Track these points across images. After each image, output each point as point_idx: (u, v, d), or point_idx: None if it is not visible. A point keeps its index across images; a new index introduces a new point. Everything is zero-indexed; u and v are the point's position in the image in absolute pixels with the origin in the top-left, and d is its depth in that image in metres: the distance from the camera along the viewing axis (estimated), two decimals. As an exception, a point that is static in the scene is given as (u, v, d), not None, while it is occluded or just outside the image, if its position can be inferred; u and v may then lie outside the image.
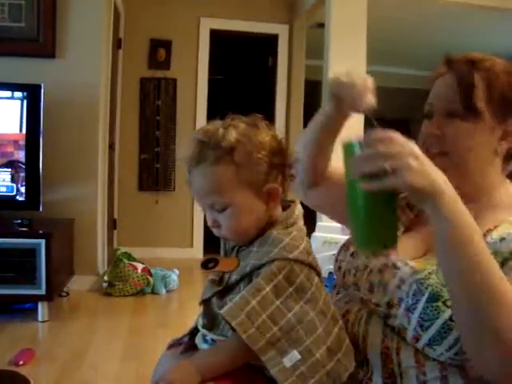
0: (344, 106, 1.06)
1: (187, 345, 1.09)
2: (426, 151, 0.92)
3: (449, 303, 0.82)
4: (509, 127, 0.93)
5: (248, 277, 0.88)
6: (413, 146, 0.74)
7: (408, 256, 0.95)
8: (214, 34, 4.73)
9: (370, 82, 1.04)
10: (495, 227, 0.88)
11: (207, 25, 4.69)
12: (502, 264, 0.82)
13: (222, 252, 1.04)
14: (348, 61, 3.63)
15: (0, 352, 2.36)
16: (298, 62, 4.88)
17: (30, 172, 3.00)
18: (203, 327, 0.95)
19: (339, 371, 0.84)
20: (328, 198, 1.19)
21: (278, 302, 0.83)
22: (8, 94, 3.03)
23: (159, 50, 4.57)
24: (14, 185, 3.00)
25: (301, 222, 0.96)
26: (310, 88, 5.16)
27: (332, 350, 0.84)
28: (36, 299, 2.84)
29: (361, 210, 0.77)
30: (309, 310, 0.84)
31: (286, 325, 0.82)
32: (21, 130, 3.01)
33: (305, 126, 4.48)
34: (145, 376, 2.15)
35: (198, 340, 0.99)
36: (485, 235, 0.87)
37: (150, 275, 3.56)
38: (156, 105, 4.63)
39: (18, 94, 3.02)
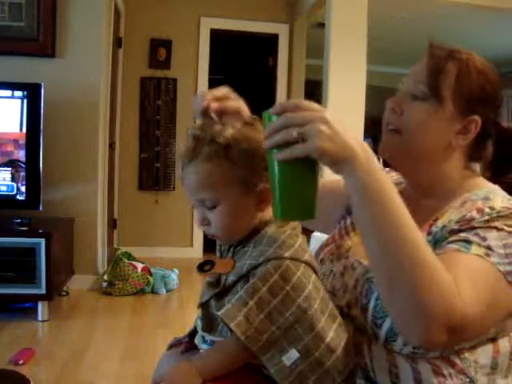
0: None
1: (187, 344, 1.09)
2: (386, 127, 0.95)
3: None
4: (470, 124, 0.91)
5: (245, 277, 0.88)
6: (323, 112, 0.72)
7: (364, 255, 0.95)
8: (215, 34, 4.73)
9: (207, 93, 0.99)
10: (442, 215, 0.88)
11: (207, 24, 4.69)
12: (435, 243, 0.83)
13: (217, 253, 1.04)
14: (348, 60, 3.63)
15: (0, 351, 2.36)
16: (298, 61, 4.88)
17: (30, 171, 3.00)
18: (202, 330, 0.95)
19: (339, 368, 0.84)
20: None
21: (275, 302, 0.83)
22: (8, 93, 3.03)
23: (159, 50, 4.57)
24: (14, 184, 3.00)
25: (295, 222, 0.95)
26: (311, 87, 5.16)
27: (331, 348, 0.83)
28: (36, 298, 2.84)
29: (276, 180, 0.75)
30: (306, 308, 0.83)
31: (284, 324, 0.82)
32: (21, 129, 3.00)
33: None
34: (145, 375, 2.16)
35: (198, 340, 0.99)
36: (431, 224, 0.88)
37: (150, 275, 3.57)
38: (156, 104, 4.63)
39: (18, 94, 3.02)
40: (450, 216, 0.87)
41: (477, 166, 1.00)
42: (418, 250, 0.72)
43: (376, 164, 0.74)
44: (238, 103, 0.99)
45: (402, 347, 0.83)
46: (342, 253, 1.02)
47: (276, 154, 0.73)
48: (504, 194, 0.89)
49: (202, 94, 0.97)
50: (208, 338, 0.94)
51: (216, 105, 0.95)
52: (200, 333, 0.97)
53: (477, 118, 0.91)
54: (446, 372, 0.82)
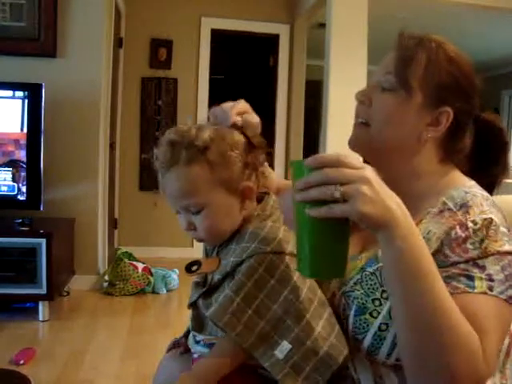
0: None
1: (187, 346, 1.09)
2: (356, 119, 0.93)
3: (375, 314, 0.82)
4: (441, 115, 0.88)
5: (230, 275, 0.88)
6: (365, 170, 0.68)
7: None
8: (215, 34, 4.73)
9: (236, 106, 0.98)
10: (420, 221, 0.84)
11: (208, 24, 4.69)
12: None
13: (203, 253, 1.04)
14: (349, 61, 3.63)
15: (0, 351, 2.36)
16: (298, 61, 4.88)
17: (30, 171, 3.00)
18: (193, 329, 0.95)
19: (334, 355, 0.83)
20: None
21: (261, 296, 0.83)
22: (9, 93, 3.03)
23: (160, 50, 4.57)
24: (15, 184, 3.01)
25: (277, 213, 0.95)
26: (311, 88, 5.17)
27: (323, 336, 0.83)
28: (37, 298, 2.85)
29: (306, 236, 0.71)
30: (293, 299, 0.83)
31: (273, 317, 0.83)
32: (22, 129, 3.01)
33: (305, 125, 4.52)
34: (145, 375, 2.16)
35: (190, 341, 0.99)
36: None
37: (151, 275, 3.57)
38: (157, 104, 4.63)
39: (19, 94, 3.02)
40: (428, 226, 0.83)
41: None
42: (449, 314, 0.70)
43: (415, 227, 0.72)
44: (256, 117, 0.98)
45: (384, 360, 0.82)
46: None
47: (310, 209, 0.68)
48: (480, 192, 0.85)
49: (222, 108, 0.96)
50: (199, 337, 0.94)
51: (240, 120, 0.94)
52: (192, 333, 0.97)
53: (448, 109, 0.88)
54: None
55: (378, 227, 0.69)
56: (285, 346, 0.82)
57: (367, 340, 0.82)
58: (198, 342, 0.96)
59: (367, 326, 0.82)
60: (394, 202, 0.70)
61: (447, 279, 0.76)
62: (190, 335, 0.99)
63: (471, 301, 0.75)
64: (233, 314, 0.82)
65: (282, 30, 4.84)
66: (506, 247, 0.79)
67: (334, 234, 0.70)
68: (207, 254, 1.02)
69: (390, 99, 0.89)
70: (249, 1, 4.73)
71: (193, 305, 0.96)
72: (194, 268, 0.97)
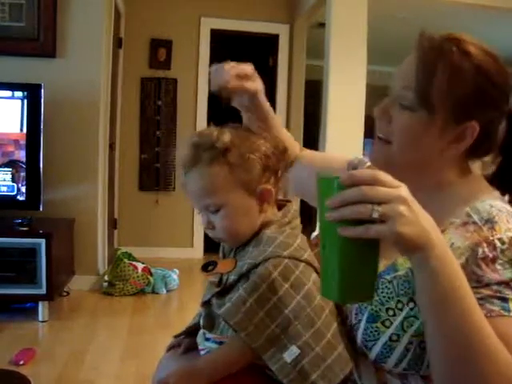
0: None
1: (187, 345, 1.09)
2: (376, 134, 0.91)
3: (387, 323, 0.81)
4: (465, 131, 0.82)
5: (245, 276, 0.89)
6: (401, 189, 0.65)
7: None
8: (215, 34, 4.73)
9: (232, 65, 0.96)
10: (443, 231, 0.79)
11: (208, 24, 4.69)
12: None
13: (220, 254, 1.05)
14: (348, 60, 3.63)
15: (0, 351, 2.36)
16: (298, 61, 4.88)
17: (30, 172, 3.00)
18: (204, 328, 0.96)
19: (341, 365, 0.84)
20: (297, 179, 1.16)
21: (274, 299, 0.84)
22: (8, 93, 3.03)
23: (160, 50, 4.57)
24: (15, 184, 3.01)
25: (296, 221, 0.97)
26: (311, 88, 5.16)
27: (332, 344, 0.84)
28: (36, 299, 2.85)
29: (336, 257, 0.66)
30: (306, 305, 0.84)
31: (284, 321, 0.83)
32: (21, 129, 3.01)
33: (305, 125, 4.51)
34: (145, 375, 2.16)
35: (200, 339, 0.99)
36: None
37: (151, 275, 3.57)
38: (156, 104, 4.63)
39: (19, 94, 3.02)
40: (451, 237, 0.80)
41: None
42: (487, 339, 0.69)
43: (448, 249, 0.69)
44: (257, 85, 0.97)
45: (391, 368, 0.81)
46: None
47: (343, 229, 0.64)
48: (505, 207, 0.82)
49: (222, 65, 0.95)
50: (209, 335, 0.95)
51: (236, 83, 0.93)
52: (202, 330, 0.98)
53: (474, 123, 0.81)
54: None
55: (415, 249, 0.66)
56: (293, 351, 0.83)
57: (376, 349, 0.82)
58: (208, 340, 0.96)
59: (378, 334, 0.81)
60: (429, 223, 0.67)
61: (480, 301, 0.73)
62: (200, 332, 1.00)
63: (507, 324, 0.73)
64: (245, 314, 0.83)
65: (281, 30, 4.84)
66: None
67: (364, 256, 0.67)
68: (224, 255, 1.03)
69: (411, 120, 0.84)
70: (248, 1, 4.73)
71: (206, 303, 0.97)
72: (210, 268, 0.98)
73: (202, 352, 0.98)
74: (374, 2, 3.67)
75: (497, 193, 0.87)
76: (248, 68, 0.96)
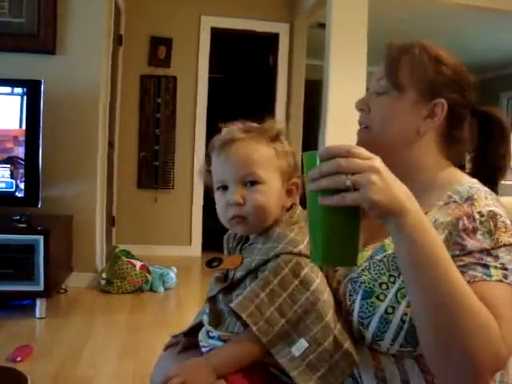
0: None
1: (184, 344, 1.09)
2: (359, 126, 1.00)
3: (382, 297, 0.84)
4: (435, 107, 0.93)
5: (253, 272, 0.91)
6: (374, 160, 0.71)
7: None
8: (215, 33, 4.72)
9: None
10: (426, 213, 0.84)
11: (208, 23, 4.69)
12: None
13: (225, 251, 1.06)
14: (348, 60, 3.63)
15: (-2, 348, 2.36)
16: (298, 61, 4.88)
17: (29, 168, 2.99)
18: (209, 324, 0.96)
19: (348, 361, 0.86)
20: None
21: (284, 295, 0.86)
22: (8, 89, 3.03)
23: (160, 48, 4.57)
24: (13, 181, 3.00)
25: (302, 222, 0.98)
26: (311, 87, 5.16)
27: (339, 340, 0.85)
28: (34, 296, 2.84)
29: (319, 225, 0.73)
30: (314, 301, 0.86)
31: (294, 316, 0.85)
32: (20, 125, 3.00)
33: (304, 125, 4.52)
34: (142, 373, 2.16)
35: (203, 335, 0.99)
36: None
37: (149, 273, 3.57)
38: (156, 102, 4.62)
39: (18, 90, 3.01)
40: (435, 215, 0.86)
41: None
42: (467, 300, 0.72)
43: (423, 215, 0.74)
44: None
45: (388, 346, 0.83)
46: None
47: (322, 198, 0.71)
48: (483, 188, 0.89)
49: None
50: (214, 332, 0.95)
51: None
52: (206, 327, 0.98)
53: (442, 100, 0.93)
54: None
55: (388, 215, 0.71)
56: (302, 344, 0.84)
57: (373, 324, 0.84)
58: (212, 337, 0.96)
59: (373, 309, 0.84)
60: (402, 191, 0.72)
61: (463, 268, 0.79)
62: (203, 330, 1.00)
63: (488, 288, 0.77)
64: (257, 308, 0.85)
65: (281, 29, 4.84)
66: None
67: (345, 222, 0.73)
68: (229, 252, 1.04)
69: (385, 100, 0.95)
70: (249, 0, 4.72)
71: (211, 299, 0.97)
72: (215, 264, 1.00)
73: (204, 350, 0.98)
74: (374, 3, 3.67)
75: (475, 179, 0.93)
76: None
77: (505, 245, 0.81)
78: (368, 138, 0.97)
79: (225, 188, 0.95)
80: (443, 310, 0.72)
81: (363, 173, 0.69)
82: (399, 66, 0.94)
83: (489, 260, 0.80)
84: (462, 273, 0.76)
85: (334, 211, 0.71)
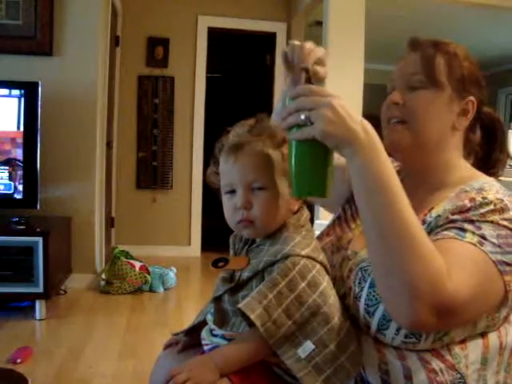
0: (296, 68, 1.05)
1: (184, 344, 1.09)
2: (388, 123, 0.98)
3: None
4: (468, 104, 0.97)
5: (260, 274, 0.91)
6: (331, 98, 0.78)
7: (362, 246, 0.98)
8: (212, 32, 4.72)
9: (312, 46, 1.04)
10: (437, 205, 0.91)
11: (205, 23, 4.68)
12: (429, 233, 0.85)
13: (231, 252, 1.07)
14: (346, 59, 3.63)
15: (-2, 350, 2.36)
16: (295, 60, 4.87)
17: (27, 170, 2.99)
18: (214, 323, 0.97)
19: (354, 363, 0.86)
20: None
21: (292, 296, 0.86)
22: (5, 91, 3.02)
23: (157, 48, 4.57)
24: (12, 183, 3.00)
25: (309, 225, 0.99)
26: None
27: (345, 343, 0.86)
28: (34, 297, 2.84)
29: (291, 160, 0.82)
30: (321, 303, 0.86)
31: (300, 318, 0.85)
32: (18, 127, 3.00)
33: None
34: (142, 374, 2.16)
35: (206, 333, 1.00)
36: (426, 214, 0.91)
37: (148, 273, 3.56)
38: (154, 103, 4.62)
39: (16, 92, 3.01)
40: (444, 206, 0.89)
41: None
42: (411, 229, 0.76)
43: (378, 147, 0.78)
44: (326, 70, 1.04)
45: (393, 336, 0.83)
46: (343, 244, 1.04)
47: (288, 133, 0.81)
48: (500, 185, 0.91)
49: (304, 45, 1.03)
50: (219, 332, 0.95)
51: (312, 68, 0.99)
52: (210, 326, 0.98)
53: (472, 98, 0.97)
54: (436, 368, 0.83)
55: (340, 145, 0.78)
56: (308, 346, 0.85)
57: (378, 314, 0.84)
58: (215, 336, 0.96)
59: (380, 297, 0.84)
60: (357, 123, 0.78)
61: (440, 230, 0.83)
62: (206, 327, 1.00)
63: (456, 245, 0.80)
64: (264, 309, 0.85)
65: (279, 29, 4.84)
66: (506, 223, 0.82)
67: (311, 155, 0.80)
68: (235, 253, 1.05)
69: (424, 95, 0.96)
70: (246, -1, 4.73)
71: (217, 299, 0.98)
72: (221, 264, 1.00)
73: (206, 348, 0.98)
74: (371, 1, 3.67)
75: (492, 178, 0.95)
76: (322, 52, 1.03)
77: (492, 222, 0.82)
78: (406, 132, 0.96)
79: (233, 192, 0.95)
80: (386, 233, 0.76)
81: (318, 108, 0.77)
82: (435, 62, 0.96)
83: (468, 227, 0.82)
84: (437, 233, 0.81)
85: (299, 146, 0.80)
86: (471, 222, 0.82)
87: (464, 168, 0.98)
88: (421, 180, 0.90)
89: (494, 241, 0.80)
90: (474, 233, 0.80)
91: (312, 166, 0.81)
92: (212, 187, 1.03)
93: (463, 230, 0.81)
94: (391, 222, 0.76)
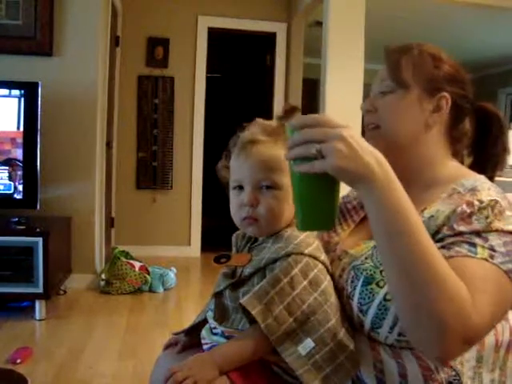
0: None
1: (184, 344, 1.09)
2: (367, 128, 1.01)
3: (381, 284, 0.85)
4: (440, 100, 0.97)
5: (261, 270, 0.92)
6: (341, 128, 0.73)
7: (351, 246, 0.99)
8: (212, 32, 4.72)
9: None
10: (429, 205, 0.90)
11: (205, 23, 4.68)
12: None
13: (233, 249, 1.07)
14: (346, 59, 3.63)
15: (-3, 350, 2.36)
16: (296, 60, 4.88)
17: (27, 170, 2.99)
18: (214, 319, 0.97)
19: (353, 362, 0.86)
20: None
21: (294, 294, 0.87)
22: (5, 91, 3.02)
23: (157, 48, 4.57)
24: (12, 183, 3.00)
25: None
26: (308, 86, 5.17)
27: (344, 342, 0.86)
28: (33, 297, 2.84)
29: (296, 192, 0.78)
30: (322, 301, 0.87)
31: (301, 316, 0.86)
32: (18, 127, 3.00)
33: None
34: (142, 374, 2.16)
35: (206, 332, 1.00)
36: (419, 214, 0.89)
37: (148, 273, 3.56)
38: (154, 103, 4.62)
39: (16, 92, 3.01)
40: (437, 206, 0.88)
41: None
42: (436, 266, 0.72)
43: (394, 182, 0.74)
44: None
45: (387, 334, 0.84)
46: (331, 247, 1.05)
47: (295, 166, 0.75)
48: (489, 182, 0.91)
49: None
50: (218, 328, 0.95)
51: None
52: (211, 323, 0.98)
53: (445, 94, 0.97)
54: (432, 366, 0.83)
55: (355, 181, 0.73)
56: (308, 344, 0.85)
57: (371, 311, 0.85)
58: (215, 334, 0.96)
59: (373, 295, 0.85)
60: (372, 157, 0.73)
61: (450, 245, 0.80)
62: (206, 326, 1.00)
63: (471, 264, 0.78)
64: (266, 306, 0.86)
65: (279, 29, 4.84)
66: (510, 227, 0.82)
67: (319, 189, 0.76)
68: (238, 250, 1.05)
69: (392, 98, 0.98)
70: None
71: (218, 294, 0.98)
72: (223, 260, 1.00)
73: (206, 346, 0.98)
74: (371, 1, 3.67)
75: (482, 176, 0.95)
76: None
77: (497, 230, 0.81)
78: (379, 136, 0.98)
79: (240, 188, 0.96)
80: (412, 273, 0.72)
81: (329, 141, 0.71)
82: (401, 65, 0.98)
83: (477, 240, 0.80)
84: (448, 249, 0.79)
85: (307, 179, 0.75)
86: (478, 234, 0.81)
87: (451, 165, 0.98)
88: (409, 179, 0.87)
89: (502, 250, 0.80)
90: (483, 246, 0.80)
91: (320, 201, 0.77)
92: (221, 181, 1.03)
93: (473, 245, 0.80)
94: (417, 262, 0.72)
